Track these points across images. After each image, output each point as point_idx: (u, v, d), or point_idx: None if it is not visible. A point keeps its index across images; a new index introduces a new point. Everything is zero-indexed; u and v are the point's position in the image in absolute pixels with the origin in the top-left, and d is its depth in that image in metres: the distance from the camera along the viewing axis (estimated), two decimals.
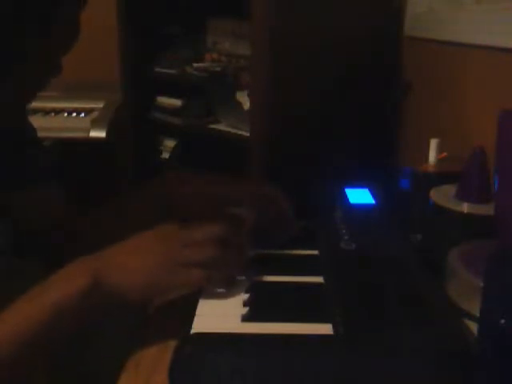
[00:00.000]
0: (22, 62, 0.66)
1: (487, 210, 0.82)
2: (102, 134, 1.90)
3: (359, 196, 0.94)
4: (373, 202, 0.93)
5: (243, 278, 0.70)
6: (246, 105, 1.63)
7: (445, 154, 1.07)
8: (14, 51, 0.65)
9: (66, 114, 2.02)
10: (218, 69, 1.83)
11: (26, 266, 0.77)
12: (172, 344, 0.61)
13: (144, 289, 0.65)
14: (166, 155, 2.08)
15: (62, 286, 0.61)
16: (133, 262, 0.65)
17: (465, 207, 0.86)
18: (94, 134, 1.91)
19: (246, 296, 0.67)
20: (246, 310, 0.64)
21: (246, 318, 0.62)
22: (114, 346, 0.84)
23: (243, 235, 0.75)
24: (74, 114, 2.02)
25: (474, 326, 0.60)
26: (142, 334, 0.70)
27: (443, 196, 0.89)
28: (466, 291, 0.66)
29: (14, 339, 0.58)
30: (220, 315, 0.64)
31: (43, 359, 0.63)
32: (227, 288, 0.68)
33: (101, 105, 2.05)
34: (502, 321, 0.43)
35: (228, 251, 0.68)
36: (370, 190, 0.96)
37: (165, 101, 2.00)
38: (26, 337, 0.58)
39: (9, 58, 0.65)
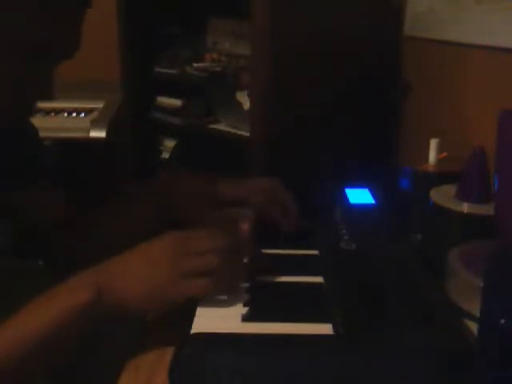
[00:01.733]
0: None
1: (487, 209, 0.82)
2: (102, 134, 1.90)
3: (359, 196, 0.94)
4: (373, 202, 0.93)
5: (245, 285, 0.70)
6: (246, 105, 1.63)
7: (445, 154, 1.07)
8: None
9: (66, 114, 2.02)
10: (218, 69, 1.83)
11: (26, 266, 0.77)
12: (172, 344, 0.61)
13: (147, 301, 0.65)
14: (166, 155, 2.08)
15: (64, 301, 0.61)
16: (136, 274, 0.64)
17: (465, 207, 0.86)
18: (94, 134, 1.90)
19: (246, 296, 0.67)
20: (245, 309, 0.64)
21: (246, 318, 0.62)
22: (115, 348, 0.84)
23: (244, 238, 0.74)
24: (74, 114, 2.02)
25: (474, 326, 0.60)
26: (142, 334, 0.70)
27: (443, 196, 0.89)
28: (466, 291, 0.66)
29: (14, 352, 0.58)
30: (220, 315, 0.64)
31: (43, 368, 0.62)
32: (229, 295, 0.67)
33: (101, 105, 2.04)
34: (502, 321, 0.43)
35: (231, 259, 0.68)
36: (370, 190, 0.96)
37: (165, 101, 2.00)
38: (26, 350, 0.58)
39: None
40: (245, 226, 0.75)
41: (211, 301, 0.66)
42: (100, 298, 0.61)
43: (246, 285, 0.70)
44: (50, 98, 0.71)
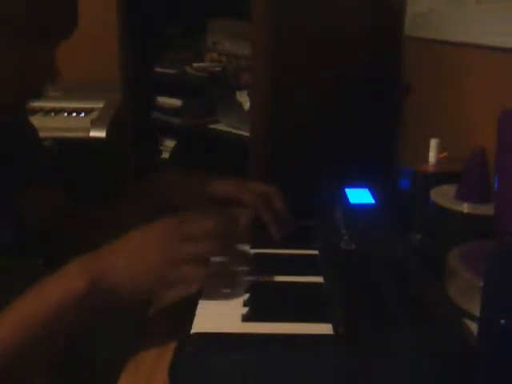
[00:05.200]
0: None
1: (487, 209, 0.82)
2: (102, 134, 1.90)
3: (359, 196, 0.94)
4: (373, 201, 0.93)
5: (245, 278, 0.70)
6: (246, 105, 1.63)
7: (445, 153, 1.07)
8: None
9: (65, 114, 2.02)
10: (218, 69, 1.83)
11: (26, 266, 0.77)
12: (172, 344, 0.61)
13: (145, 286, 0.65)
14: (166, 155, 2.08)
15: (61, 289, 0.61)
16: (132, 260, 0.64)
17: (465, 207, 0.86)
18: (94, 133, 1.90)
19: (245, 296, 0.67)
20: (246, 309, 0.64)
21: (246, 318, 0.62)
22: (115, 347, 0.84)
23: (241, 229, 0.75)
24: (74, 114, 2.02)
25: (473, 326, 0.60)
26: (142, 334, 0.70)
27: (443, 196, 0.89)
28: (466, 291, 0.66)
29: (11, 342, 0.58)
30: (220, 315, 0.64)
31: (42, 361, 0.62)
32: (228, 285, 0.68)
33: (101, 105, 2.04)
34: (502, 321, 0.43)
35: (227, 244, 0.68)
36: (370, 190, 0.96)
37: (165, 101, 2.00)
38: (24, 340, 0.58)
39: None
40: (245, 217, 0.76)
41: (212, 294, 0.67)
42: (95, 285, 0.61)
43: (246, 279, 0.70)
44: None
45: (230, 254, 0.70)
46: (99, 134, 1.90)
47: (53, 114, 2.01)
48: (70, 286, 0.61)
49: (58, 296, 0.60)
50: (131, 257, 0.65)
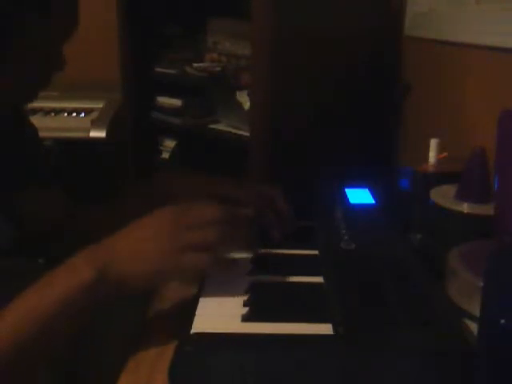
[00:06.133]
0: (22, 36, 0.67)
1: (487, 209, 0.82)
2: (102, 134, 1.90)
3: (359, 196, 0.94)
4: (373, 201, 0.93)
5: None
6: (246, 105, 1.63)
7: (445, 154, 1.07)
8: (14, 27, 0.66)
9: (65, 114, 2.02)
10: (218, 69, 1.83)
11: (26, 266, 0.77)
12: (172, 344, 0.61)
13: (149, 275, 0.65)
14: (166, 155, 2.08)
15: (67, 280, 0.61)
16: (136, 249, 0.65)
17: (465, 207, 0.86)
18: (93, 134, 1.91)
19: (246, 296, 0.67)
20: (245, 309, 0.64)
21: (246, 318, 0.62)
22: (115, 347, 0.84)
23: (243, 218, 0.75)
24: (74, 114, 2.02)
25: (473, 326, 0.60)
26: (142, 333, 0.70)
27: (443, 196, 0.89)
28: (466, 291, 0.66)
29: (14, 337, 0.58)
30: (220, 315, 0.64)
31: (45, 356, 0.62)
32: (230, 268, 0.68)
33: (101, 105, 2.04)
34: (502, 321, 0.43)
35: (230, 231, 0.68)
36: (370, 190, 0.96)
37: (165, 101, 2.00)
38: (31, 331, 0.58)
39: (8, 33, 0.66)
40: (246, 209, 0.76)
41: (214, 290, 0.67)
42: (102, 275, 0.61)
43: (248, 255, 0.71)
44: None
45: (235, 240, 0.70)
46: (99, 134, 1.91)
47: (53, 114, 2.01)
48: (77, 277, 0.61)
49: (64, 287, 0.60)
50: (134, 246, 0.65)
